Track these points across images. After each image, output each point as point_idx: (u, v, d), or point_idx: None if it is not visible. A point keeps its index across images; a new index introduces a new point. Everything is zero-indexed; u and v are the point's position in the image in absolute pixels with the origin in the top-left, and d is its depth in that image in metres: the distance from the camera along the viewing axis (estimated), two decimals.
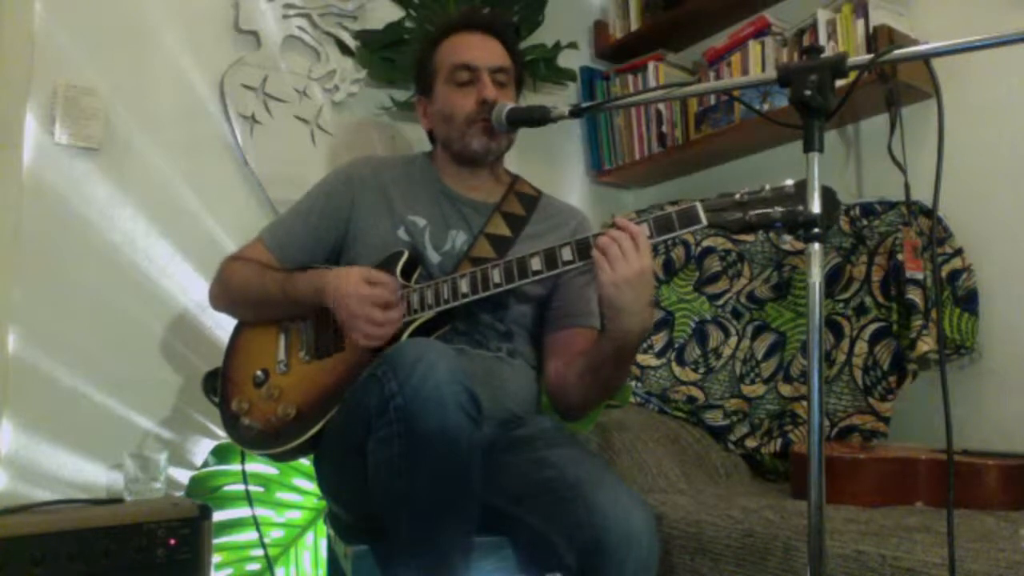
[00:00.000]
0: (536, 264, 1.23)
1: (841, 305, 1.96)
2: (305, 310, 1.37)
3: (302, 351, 1.36)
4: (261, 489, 1.77)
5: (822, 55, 0.97)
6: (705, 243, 2.31)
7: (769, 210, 1.08)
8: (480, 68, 1.42)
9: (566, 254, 1.21)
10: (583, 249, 1.20)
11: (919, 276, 1.81)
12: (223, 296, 1.47)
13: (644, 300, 1.17)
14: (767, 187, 1.09)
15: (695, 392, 2.19)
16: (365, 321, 1.23)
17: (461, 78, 1.42)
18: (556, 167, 2.66)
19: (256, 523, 1.61)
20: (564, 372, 1.38)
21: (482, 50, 1.44)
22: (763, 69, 2.21)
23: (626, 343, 1.22)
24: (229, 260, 1.48)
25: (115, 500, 1.64)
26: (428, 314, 1.28)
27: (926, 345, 1.77)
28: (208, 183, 2.00)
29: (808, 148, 0.96)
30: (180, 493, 1.79)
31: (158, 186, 1.93)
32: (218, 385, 1.41)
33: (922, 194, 1.89)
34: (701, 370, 2.22)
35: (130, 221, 1.89)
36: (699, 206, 1.15)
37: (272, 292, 1.37)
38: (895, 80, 1.89)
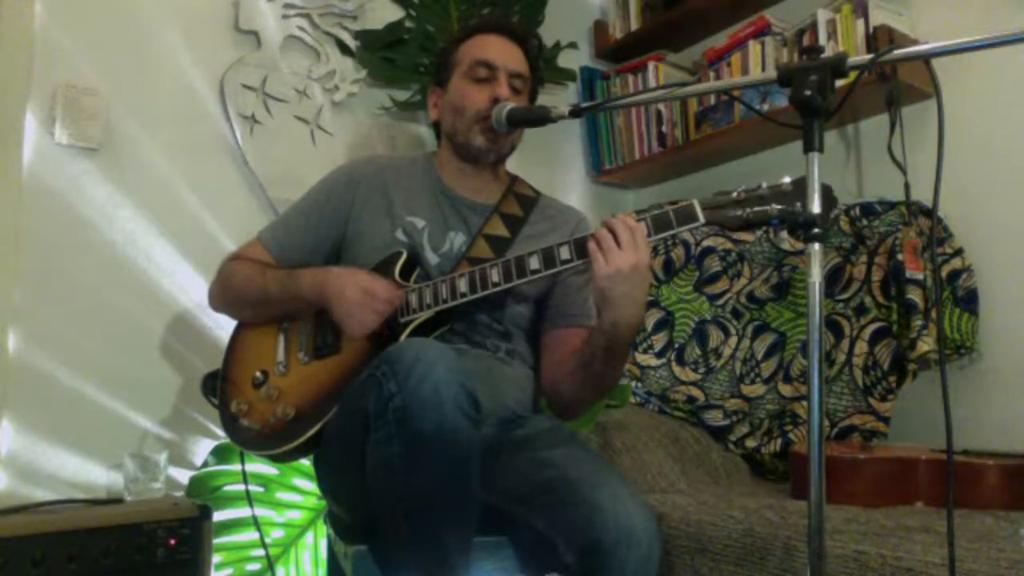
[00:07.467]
0: (534, 263, 1.23)
1: (841, 305, 1.96)
2: (305, 308, 1.37)
3: (301, 352, 1.36)
4: (261, 489, 1.77)
5: (822, 55, 0.97)
6: (705, 243, 2.30)
7: (767, 207, 1.08)
8: (499, 68, 1.44)
9: (564, 253, 1.21)
10: (581, 248, 1.20)
11: (919, 276, 1.81)
12: (223, 295, 1.47)
13: (637, 295, 1.17)
14: (764, 185, 1.09)
15: (695, 392, 2.19)
16: (359, 307, 1.24)
17: (479, 74, 1.44)
18: (556, 167, 2.66)
19: (256, 523, 1.61)
20: (557, 370, 1.39)
21: (505, 52, 1.46)
22: (763, 69, 2.21)
23: (616, 337, 1.22)
24: (229, 260, 1.48)
25: (115, 500, 1.64)
26: (427, 314, 1.28)
27: (926, 345, 1.76)
28: (208, 183, 2.00)
29: (808, 148, 0.96)
30: (180, 493, 1.79)
31: (158, 186, 1.93)
32: (217, 387, 1.41)
33: (922, 194, 1.89)
34: (701, 370, 2.22)
35: (130, 221, 1.89)
36: (697, 204, 1.15)
37: (273, 290, 1.37)
38: (895, 80, 1.89)
